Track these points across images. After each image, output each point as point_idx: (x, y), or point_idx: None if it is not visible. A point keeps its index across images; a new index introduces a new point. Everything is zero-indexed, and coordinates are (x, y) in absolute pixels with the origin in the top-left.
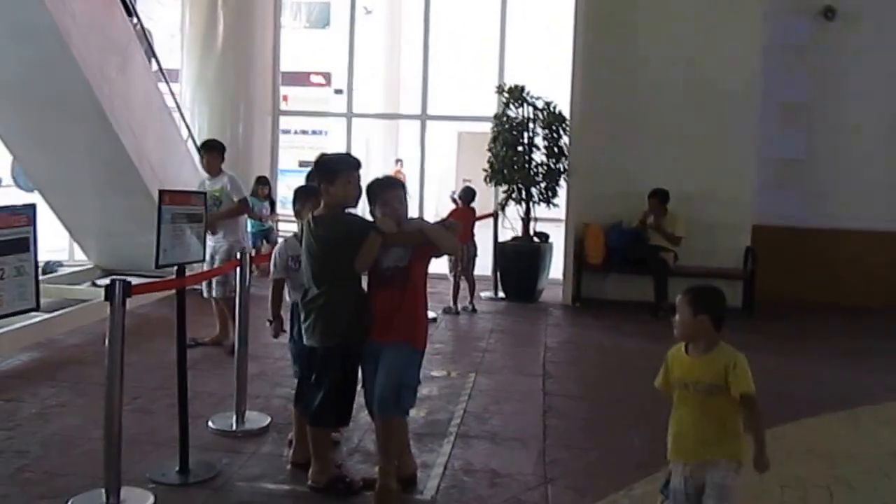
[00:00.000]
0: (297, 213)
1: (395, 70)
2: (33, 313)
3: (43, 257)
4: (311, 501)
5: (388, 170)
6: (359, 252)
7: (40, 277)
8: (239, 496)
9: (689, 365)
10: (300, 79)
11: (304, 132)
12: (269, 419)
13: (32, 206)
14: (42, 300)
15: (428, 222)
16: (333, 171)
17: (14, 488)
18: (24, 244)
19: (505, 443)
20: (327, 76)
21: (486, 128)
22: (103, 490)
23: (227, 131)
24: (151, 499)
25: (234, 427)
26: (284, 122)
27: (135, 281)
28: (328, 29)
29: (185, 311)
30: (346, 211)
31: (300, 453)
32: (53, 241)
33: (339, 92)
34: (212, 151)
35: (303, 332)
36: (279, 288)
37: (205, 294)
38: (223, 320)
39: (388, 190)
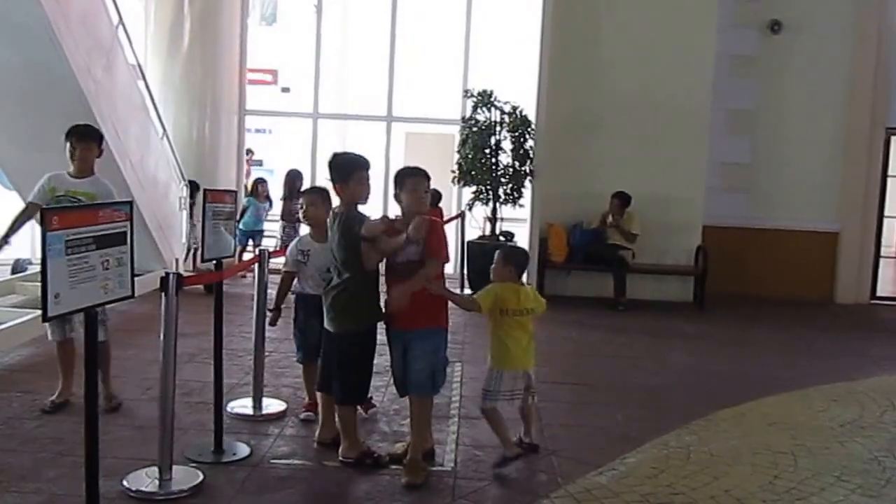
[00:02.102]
0: (305, 214)
1: (345, 70)
2: (28, 309)
3: (13, 255)
4: (345, 475)
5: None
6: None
7: (14, 276)
8: (277, 473)
9: (523, 297)
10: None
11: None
12: (286, 405)
13: (130, 203)
14: (18, 298)
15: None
16: (348, 170)
17: (63, 469)
18: (123, 238)
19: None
20: (274, 73)
21: (439, 130)
22: (157, 468)
23: (193, 131)
24: (201, 476)
25: (252, 412)
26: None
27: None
28: (274, 25)
29: (222, 302)
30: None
31: (326, 433)
32: (21, 239)
33: (286, 91)
34: (87, 141)
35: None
36: (288, 281)
37: (52, 337)
38: (70, 366)
39: (413, 178)
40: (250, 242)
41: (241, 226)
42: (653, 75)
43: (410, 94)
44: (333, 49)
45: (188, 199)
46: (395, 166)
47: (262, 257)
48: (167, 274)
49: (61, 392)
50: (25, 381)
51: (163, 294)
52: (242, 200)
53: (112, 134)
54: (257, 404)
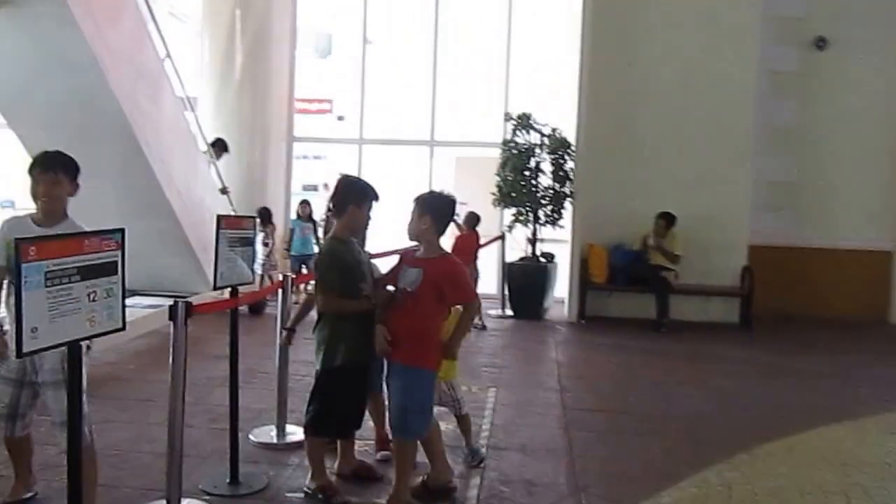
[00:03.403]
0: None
1: (395, 98)
2: None
3: None
4: None
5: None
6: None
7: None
8: None
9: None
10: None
11: (304, 157)
12: None
13: (121, 231)
14: None
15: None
16: (366, 194)
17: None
18: (113, 267)
19: (535, 454)
20: (330, 103)
21: (486, 153)
22: (164, 501)
23: (243, 158)
24: None
25: (275, 440)
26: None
27: (160, 302)
28: (329, 58)
29: (237, 330)
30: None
31: (345, 465)
32: None
33: (341, 119)
34: (52, 172)
35: None
36: (308, 303)
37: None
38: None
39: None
40: (303, 268)
41: (291, 251)
42: (694, 93)
43: (457, 118)
44: (382, 77)
45: (259, 226)
46: (447, 189)
47: (285, 283)
48: (175, 301)
49: (14, 489)
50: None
51: (171, 322)
52: (289, 225)
53: (158, 162)
54: (280, 432)
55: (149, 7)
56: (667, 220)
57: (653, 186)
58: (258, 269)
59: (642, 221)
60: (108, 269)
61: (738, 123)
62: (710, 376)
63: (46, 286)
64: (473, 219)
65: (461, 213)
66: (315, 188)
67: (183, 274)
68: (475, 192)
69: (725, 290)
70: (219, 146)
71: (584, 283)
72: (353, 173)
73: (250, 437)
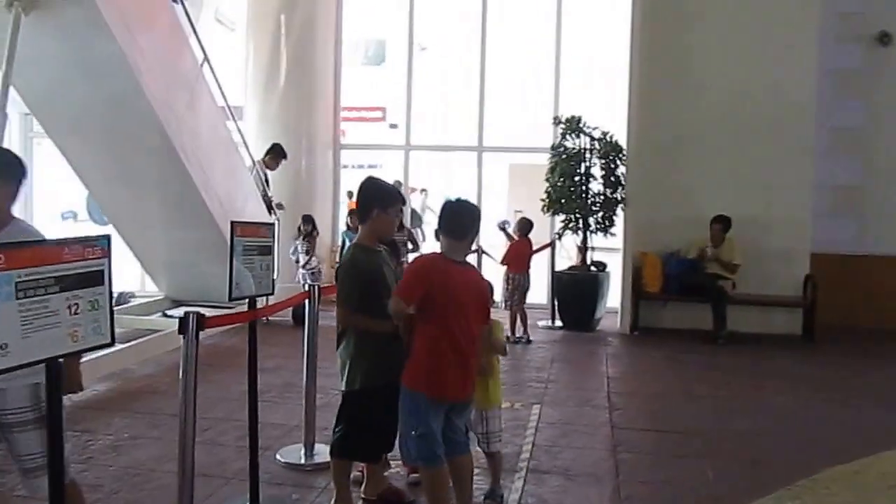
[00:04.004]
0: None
1: (449, 104)
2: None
3: (115, 288)
4: None
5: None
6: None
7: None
8: None
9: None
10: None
11: (360, 166)
12: None
13: (107, 238)
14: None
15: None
16: (392, 197)
17: None
18: (99, 277)
19: (578, 478)
20: (383, 111)
21: (539, 160)
22: None
23: (289, 166)
24: None
25: (303, 460)
26: (342, 156)
27: (204, 311)
28: (383, 65)
29: (256, 343)
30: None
31: (371, 489)
32: (126, 272)
33: (394, 127)
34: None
35: None
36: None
37: None
38: None
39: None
40: None
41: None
42: (751, 94)
43: (509, 124)
44: (433, 83)
45: (303, 232)
46: (499, 197)
47: (312, 294)
48: (186, 314)
49: None
50: (87, 420)
51: (182, 336)
52: (339, 235)
53: (196, 169)
54: (308, 452)
55: (186, 12)
56: (722, 224)
57: (708, 192)
58: (300, 279)
59: (697, 228)
60: (93, 278)
61: (799, 125)
62: (770, 392)
63: (18, 298)
64: (526, 225)
65: (512, 220)
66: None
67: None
68: (529, 200)
69: (786, 300)
70: (275, 152)
71: (636, 292)
72: (402, 180)
73: (277, 456)
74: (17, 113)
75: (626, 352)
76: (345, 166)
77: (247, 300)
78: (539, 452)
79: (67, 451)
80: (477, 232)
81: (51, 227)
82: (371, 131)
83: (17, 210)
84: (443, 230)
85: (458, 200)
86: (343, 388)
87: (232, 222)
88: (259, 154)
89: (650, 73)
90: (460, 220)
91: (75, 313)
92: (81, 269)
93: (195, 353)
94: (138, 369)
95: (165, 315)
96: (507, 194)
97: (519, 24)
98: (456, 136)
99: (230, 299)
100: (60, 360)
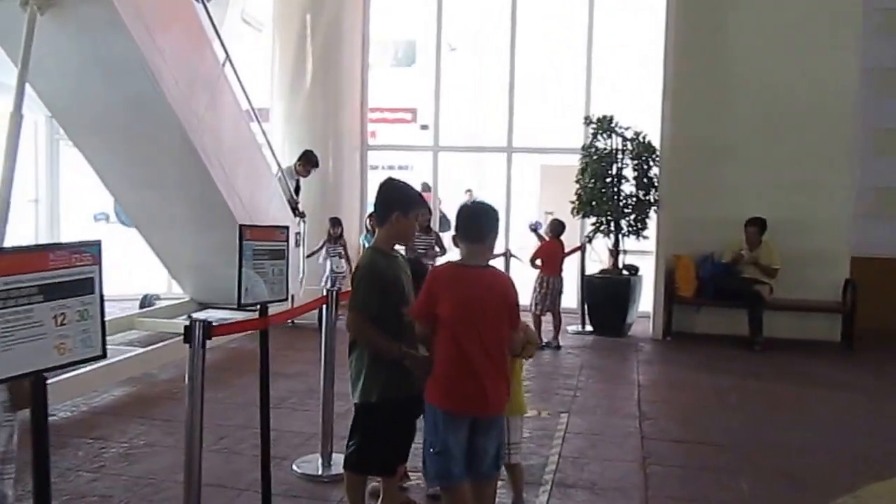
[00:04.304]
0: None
1: (479, 105)
2: (135, 347)
3: (141, 290)
4: None
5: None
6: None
7: (137, 311)
8: None
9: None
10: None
11: (390, 167)
12: None
13: (97, 244)
14: (138, 334)
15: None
16: (413, 200)
17: None
18: (89, 285)
19: (605, 493)
20: (413, 112)
21: (571, 160)
22: None
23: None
24: None
25: (319, 471)
26: (372, 158)
27: (228, 315)
28: (413, 67)
29: (268, 352)
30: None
31: (387, 503)
32: (153, 274)
33: (424, 128)
34: None
35: None
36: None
37: None
38: None
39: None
40: None
41: None
42: (790, 91)
43: (541, 124)
44: (463, 84)
45: (332, 235)
46: (531, 198)
47: (330, 299)
48: (192, 321)
49: None
50: (103, 426)
51: (188, 346)
52: (360, 239)
53: (218, 170)
54: (326, 462)
55: (207, 12)
56: (758, 226)
57: (744, 193)
58: (325, 283)
59: (733, 230)
60: (82, 287)
61: (840, 124)
62: (808, 402)
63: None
64: (558, 227)
65: (544, 222)
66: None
67: (250, 287)
68: (560, 201)
69: (825, 305)
70: (305, 159)
71: (669, 297)
72: (430, 182)
73: (294, 466)
74: (43, 115)
75: (658, 358)
76: (374, 167)
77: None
78: (565, 464)
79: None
80: (496, 233)
81: (83, 229)
82: (402, 133)
83: (42, 212)
84: (460, 234)
85: (474, 202)
86: (357, 400)
87: (240, 226)
88: (284, 156)
89: (685, 70)
90: (476, 222)
91: (62, 324)
92: (69, 276)
93: (202, 364)
94: (160, 374)
95: (191, 318)
96: (539, 196)
97: (550, 22)
98: (488, 136)
99: (239, 306)
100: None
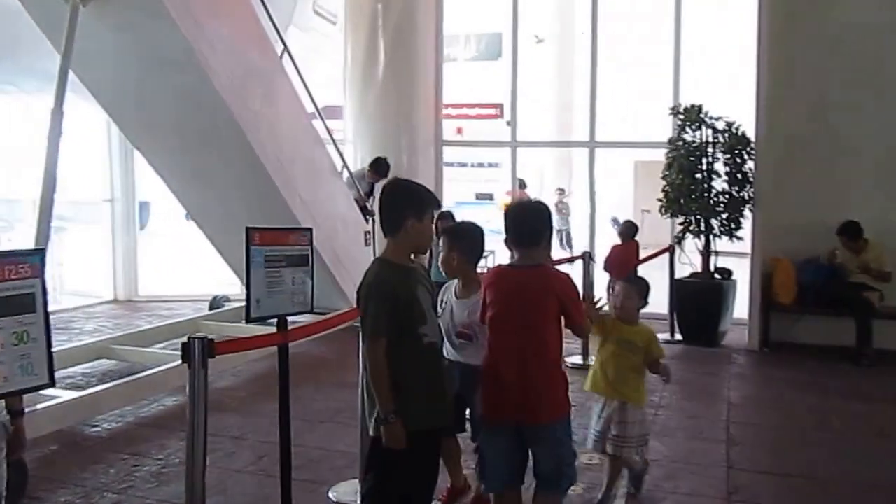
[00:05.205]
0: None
1: (567, 98)
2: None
3: (213, 291)
4: None
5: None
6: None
7: (206, 313)
8: None
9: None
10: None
11: (480, 165)
12: None
13: (40, 252)
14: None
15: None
16: (427, 201)
17: None
18: (28, 302)
19: None
20: (499, 107)
21: (663, 155)
22: None
23: (390, 163)
24: None
25: (357, 499)
26: (461, 155)
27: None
28: (499, 60)
29: (287, 371)
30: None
31: None
32: (224, 274)
33: (510, 123)
34: None
35: None
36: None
37: None
38: None
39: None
40: None
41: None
42: None
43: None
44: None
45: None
46: (626, 195)
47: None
48: (191, 339)
49: None
50: (143, 440)
51: (187, 365)
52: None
53: (276, 166)
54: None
55: (263, 3)
56: (848, 234)
57: (851, 190)
58: None
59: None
60: (20, 305)
61: None
62: None
63: None
64: (631, 228)
65: (639, 220)
66: (490, 197)
67: (318, 290)
68: (655, 199)
69: None
70: (374, 170)
71: (767, 304)
72: (525, 179)
73: (330, 493)
74: None
75: (752, 372)
76: (463, 164)
77: (278, 319)
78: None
79: None
80: (546, 235)
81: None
82: (488, 128)
83: (118, 211)
84: (509, 239)
85: (521, 203)
86: (372, 433)
87: (247, 228)
88: (356, 151)
89: (783, 53)
90: (523, 225)
91: None
92: (6, 291)
93: (203, 388)
94: (214, 381)
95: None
96: (634, 193)
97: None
98: (576, 131)
99: (248, 320)
100: None
